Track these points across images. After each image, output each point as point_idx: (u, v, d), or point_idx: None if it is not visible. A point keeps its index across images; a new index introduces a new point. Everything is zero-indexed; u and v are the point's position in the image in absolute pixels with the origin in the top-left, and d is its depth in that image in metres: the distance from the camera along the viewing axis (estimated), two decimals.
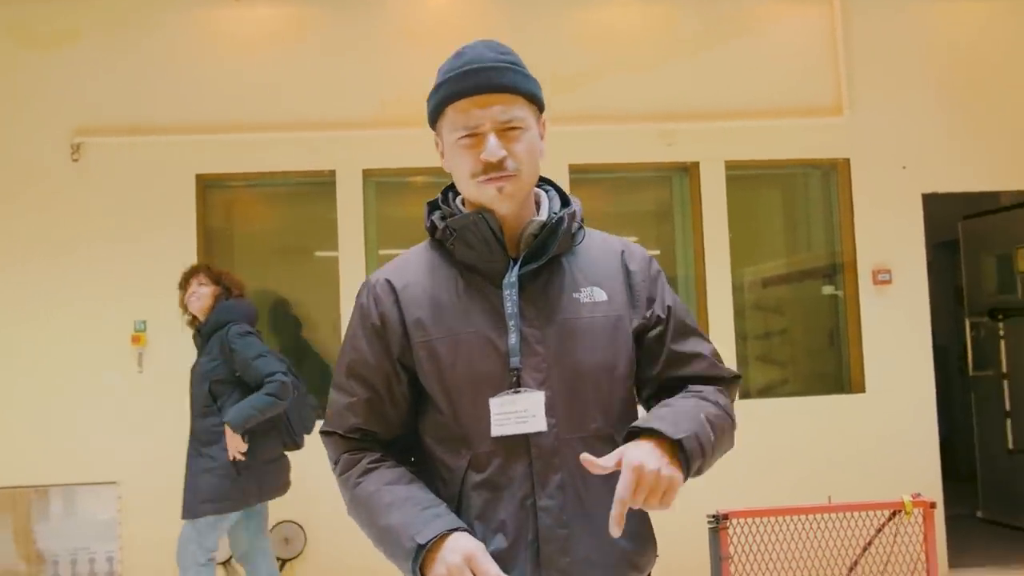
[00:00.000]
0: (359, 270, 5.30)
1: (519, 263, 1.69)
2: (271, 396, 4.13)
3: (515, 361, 1.64)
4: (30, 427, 5.09)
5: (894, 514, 4.01)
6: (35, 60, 5.26)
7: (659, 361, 1.77)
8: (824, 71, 5.56)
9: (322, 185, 5.43)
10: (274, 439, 4.33)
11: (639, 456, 1.50)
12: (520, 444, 1.64)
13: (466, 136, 1.66)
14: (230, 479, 4.15)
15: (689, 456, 1.54)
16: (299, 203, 5.69)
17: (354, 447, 1.73)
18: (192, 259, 5.19)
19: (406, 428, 1.76)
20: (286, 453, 4.42)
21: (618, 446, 1.59)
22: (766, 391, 5.76)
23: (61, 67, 5.26)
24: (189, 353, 5.13)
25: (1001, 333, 6.32)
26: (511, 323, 1.65)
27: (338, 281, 5.32)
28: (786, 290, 5.90)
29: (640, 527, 1.71)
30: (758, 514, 3.83)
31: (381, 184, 5.52)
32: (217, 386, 4.28)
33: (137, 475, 5.08)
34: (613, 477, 1.50)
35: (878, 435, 5.39)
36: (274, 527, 5.05)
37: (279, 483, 4.37)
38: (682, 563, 3.88)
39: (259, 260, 5.55)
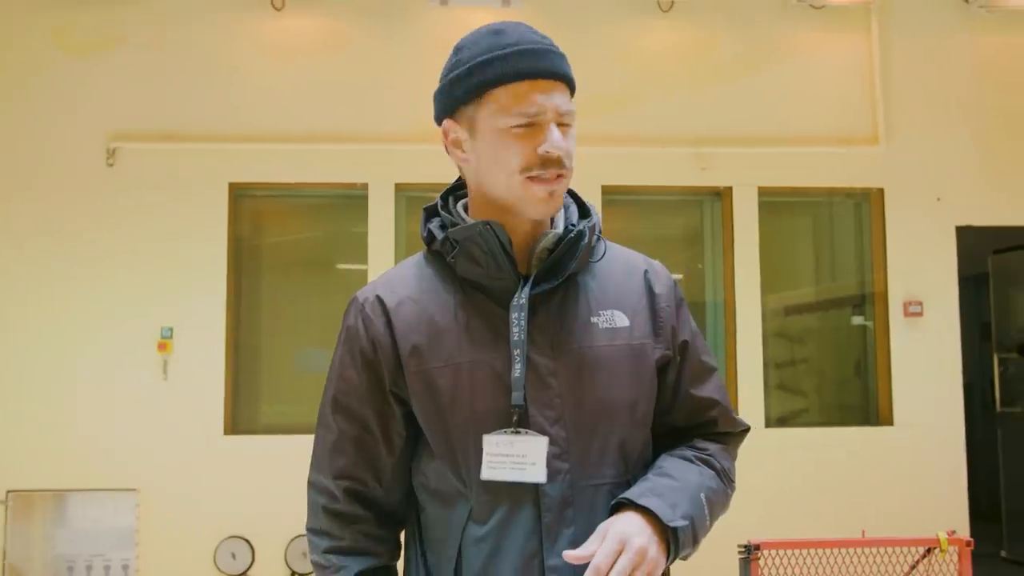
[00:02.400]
0: None
1: (530, 282, 1.45)
2: None
3: (517, 396, 1.41)
4: (53, 431, 5.06)
5: (929, 551, 3.96)
6: (75, 65, 5.27)
7: (674, 404, 1.56)
8: (861, 100, 5.55)
9: (354, 198, 5.42)
10: None
11: (627, 529, 1.33)
12: (528, 493, 1.42)
13: (523, 125, 1.41)
14: None
15: (680, 546, 1.38)
16: (330, 215, 5.68)
17: (336, 539, 1.50)
18: (222, 267, 5.20)
19: (399, 481, 1.52)
20: None
21: None
22: (790, 420, 5.72)
23: (100, 72, 5.27)
24: (214, 361, 5.14)
25: None
26: (516, 352, 1.41)
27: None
28: (814, 319, 5.87)
29: None
30: (791, 545, 3.77)
31: (412, 199, 5.51)
32: None
33: (158, 483, 5.05)
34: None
35: (905, 469, 5.34)
36: (292, 540, 5.01)
37: None
38: None
39: (287, 271, 5.53)
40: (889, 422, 5.44)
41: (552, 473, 1.42)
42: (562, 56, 1.47)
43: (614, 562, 1.29)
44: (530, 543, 1.41)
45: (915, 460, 5.35)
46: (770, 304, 5.65)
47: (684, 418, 1.57)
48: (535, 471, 1.40)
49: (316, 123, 5.33)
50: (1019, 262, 6.51)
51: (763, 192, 5.50)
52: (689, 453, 1.54)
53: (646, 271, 1.58)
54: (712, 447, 1.56)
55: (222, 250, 5.22)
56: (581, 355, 1.46)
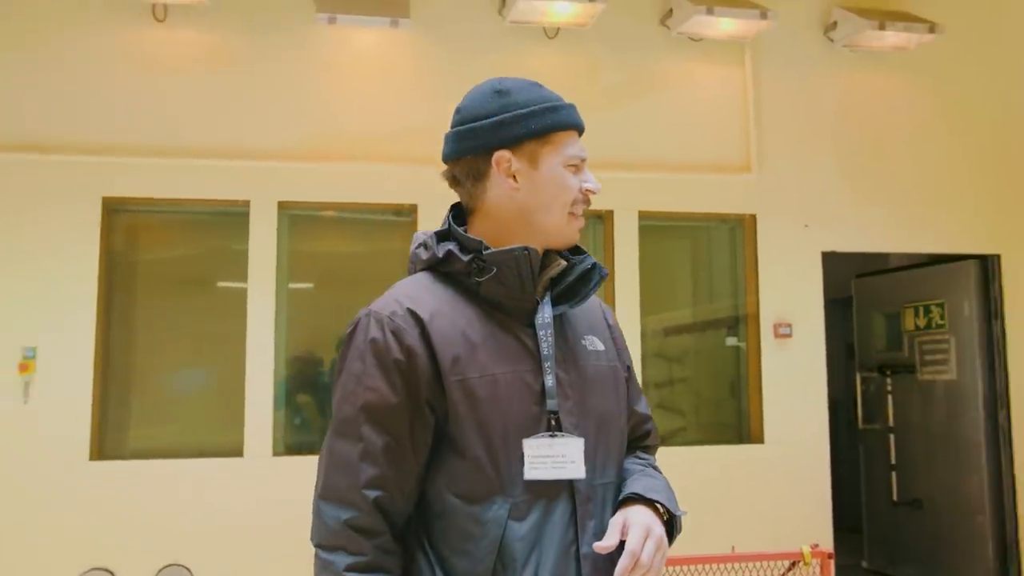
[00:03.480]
0: (269, 303, 5.19)
1: (551, 303, 1.64)
2: None
3: (552, 404, 1.57)
4: None
5: (793, 564, 4.13)
6: None
7: (628, 419, 1.78)
8: (735, 130, 5.77)
9: (234, 215, 5.30)
10: None
11: (646, 520, 1.54)
12: (563, 490, 1.57)
13: (575, 165, 1.66)
14: None
15: (674, 534, 1.60)
16: (210, 232, 5.53)
17: (356, 555, 1.50)
18: (92, 285, 5.00)
19: (416, 491, 1.58)
20: None
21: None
22: (669, 438, 5.87)
23: None
24: (81, 383, 4.92)
25: (889, 388, 6.61)
26: (547, 364, 1.58)
27: (246, 314, 5.19)
28: (692, 339, 6.04)
29: None
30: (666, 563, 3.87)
31: (295, 217, 5.43)
32: None
33: (16, 512, 4.79)
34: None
35: (774, 485, 5.55)
36: (160, 570, 4.84)
37: None
38: None
39: (163, 288, 5.36)
40: (760, 439, 5.65)
41: None
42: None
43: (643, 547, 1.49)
44: (567, 534, 1.55)
45: (783, 476, 5.58)
46: (650, 325, 5.79)
47: (631, 430, 1.79)
48: (575, 468, 1.56)
49: (197, 138, 5.20)
50: (880, 286, 6.88)
51: (643, 216, 5.65)
52: (639, 463, 1.76)
53: (601, 305, 1.83)
54: (649, 459, 1.82)
55: (93, 266, 5.02)
56: (584, 371, 1.65)
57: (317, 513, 1.57)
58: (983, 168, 6.06)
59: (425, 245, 1.69)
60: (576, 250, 1.73)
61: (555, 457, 1.55)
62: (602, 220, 5.70)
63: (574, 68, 5.63)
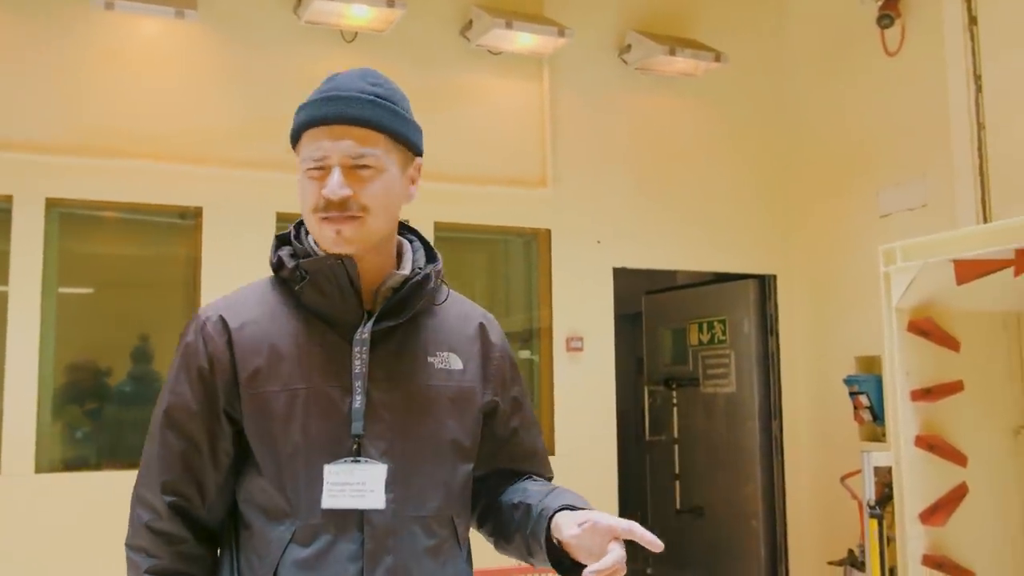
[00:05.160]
0: (34, 308, 4.79)
1: (374, 318, 1.54)
2: None
3: (357, 427, 1.48)
4: None
5: None
6: None
7: (503, 448, 1.71)
8: (532, 144, 5.86)
9: None
10: None
11: (619, 521, 1.52)
12: (353, 520, 1.47)
13: (314, 168, 1.52)
14: None
15: None
16: None
17: (155, 558, 1.49)
18: None
19: (222, 500, 1.55)
20: None
21: (456, 530, 1.57)
22: None
23: None
24: None
25: (674, 401, 6.90)
26: (357, 384, 1.50)
27: (6, 319, 4.77)
28: None
29: None
30: None
31: (66, 215, 5.05)
32: None
33: None
34: (449, 564, 1.52)
35: None
36: None
37: None
38: None
39: None
40: (551, 451, 5.73)
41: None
42: (375, 103, 1.55)
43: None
44: (349, 568, 1.45)
45: (572, 485, 5.57)
46: None
47: (512, 462, 1.72)
48: (374, 498, 1.46)
49: None
50: (667, 302, 7.18)
51: (439, 227, 5.62)
52: (540, 482, 1.73)
53: (482, 322, 1.71)
54: (547, 483, 1.75)
55: None
56: (414, 392, 1.55)
57: (131, 509, 1.56)
58: (763, 193, 6.44)
59: (273, 247, 1.64)
60: (431, 259, 1.67)
61: (355, 485, 1.46)
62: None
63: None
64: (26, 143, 4.85)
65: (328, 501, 1.46)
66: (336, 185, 1.50)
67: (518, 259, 6.13)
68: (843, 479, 5.27)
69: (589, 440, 5.78)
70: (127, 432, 5.13)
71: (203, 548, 1.54)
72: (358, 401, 1.49)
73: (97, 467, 5.00)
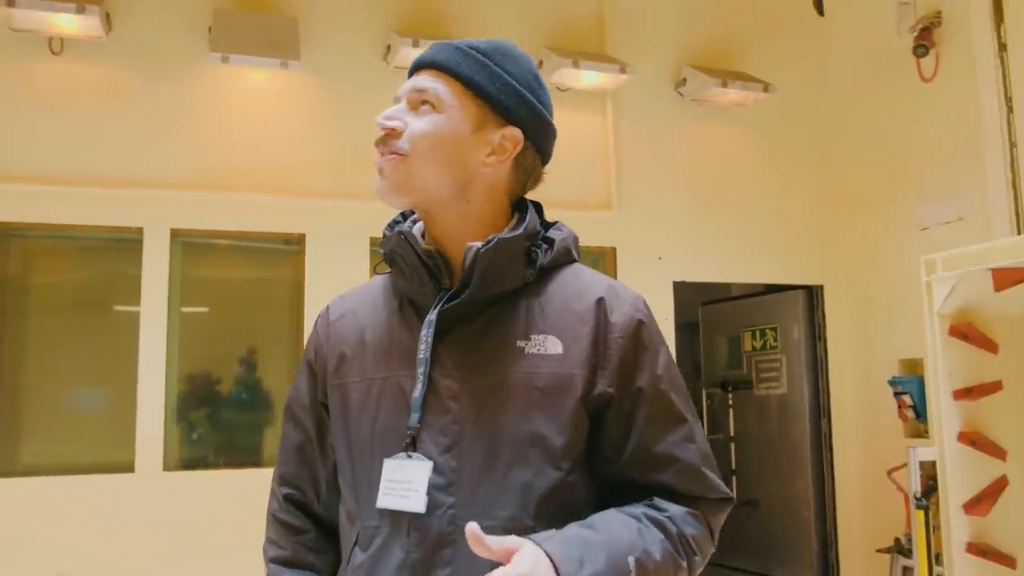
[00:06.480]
0: (161, 325, 5.37)
1: (447, 296, 1.34)
2: None
3: (414, 418, 1.28)
4: None
5: None
6: None
7: (621, 454, 1.34)
8: (598, 172, 6.31)
9: (128, 241, 5.48)
10: None
11: (531, 559, 1.13)
12: (404, 523, 1.27)
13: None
14: None
15: None
16: (104, 257, 5.67)
17: (280, 548, 1.44)
18: None
19: (332, 490, 1.45)
20: None
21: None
22: None
23: None
24: None
25: (730, 402, 7.32)
26: (420, 370, 1.30)
27: (138, 335, 5.36)
28: None
29: None
30: None
31: (188, 244, 5.65)
32: None
33: None
34: None
35: None
36: None
37: None
38: None
39: (58, 312, 5.47)
40: None
41: (433, 506, 1.26)
42: (457, 50, 1.41)
43: None
44: None
45: None
46: None
47: (637, 473, 1.34)
48: (416, 499, 1.25)
49: (91, 167, 5.33)
50: (723, 312, 7.59)
51: None
52: (639, 511, 1.31)
53: (603, 297, 1.38)
54: (673, 509, 1.33)
55: None
56: (493, 381, 1.29)
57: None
58: (809, 210, 6.80)
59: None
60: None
61: (403, 483, 1.26)
62: None
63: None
64: (153, 180, 5.45)
65: (381, 500, 1.28)
66: (390, 111, 1.38)
67: None
68: (890, 472, 5.50)
69: None
70: (237, 434, 5.69)
71: (327, 542, 1.45)
72: (418, 390, 1.29)
73: (213, 466, 5.54)
